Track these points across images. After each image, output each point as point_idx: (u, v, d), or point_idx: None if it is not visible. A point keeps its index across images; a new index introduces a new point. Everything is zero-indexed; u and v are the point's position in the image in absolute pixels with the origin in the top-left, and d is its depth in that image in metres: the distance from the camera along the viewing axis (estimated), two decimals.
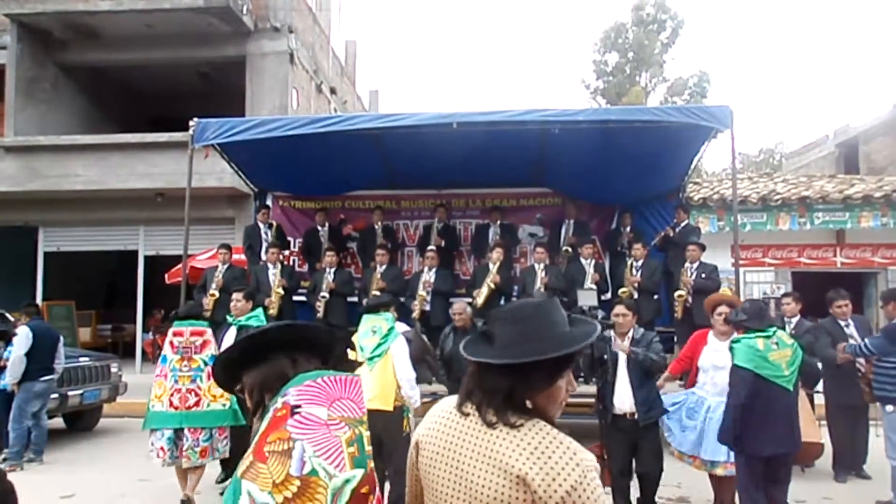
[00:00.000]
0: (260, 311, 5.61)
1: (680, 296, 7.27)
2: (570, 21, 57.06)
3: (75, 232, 12.87)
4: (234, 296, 5.50)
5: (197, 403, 4.91)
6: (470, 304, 6.54)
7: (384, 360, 4.53)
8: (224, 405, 4.95)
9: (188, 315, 5.19)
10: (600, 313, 6.82)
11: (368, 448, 1.47)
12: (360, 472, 1.43)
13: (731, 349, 4.09)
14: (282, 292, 7.76)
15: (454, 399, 1.50)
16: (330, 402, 1.48)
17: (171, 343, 5.02)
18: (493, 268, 7.73)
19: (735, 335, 4.26)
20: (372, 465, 1.47)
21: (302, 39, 13.01)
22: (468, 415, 1.41)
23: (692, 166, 8.02)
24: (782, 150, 31.18)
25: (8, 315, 8.93)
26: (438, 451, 1.44)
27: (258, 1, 12.20)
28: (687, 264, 7.39)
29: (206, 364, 4.95)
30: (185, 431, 4.89)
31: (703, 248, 7.49)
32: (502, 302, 7.89)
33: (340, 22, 17.36)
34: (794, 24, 54.85)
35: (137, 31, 11.91)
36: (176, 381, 4.91)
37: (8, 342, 6.75)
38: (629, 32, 25.76)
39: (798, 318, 6.36)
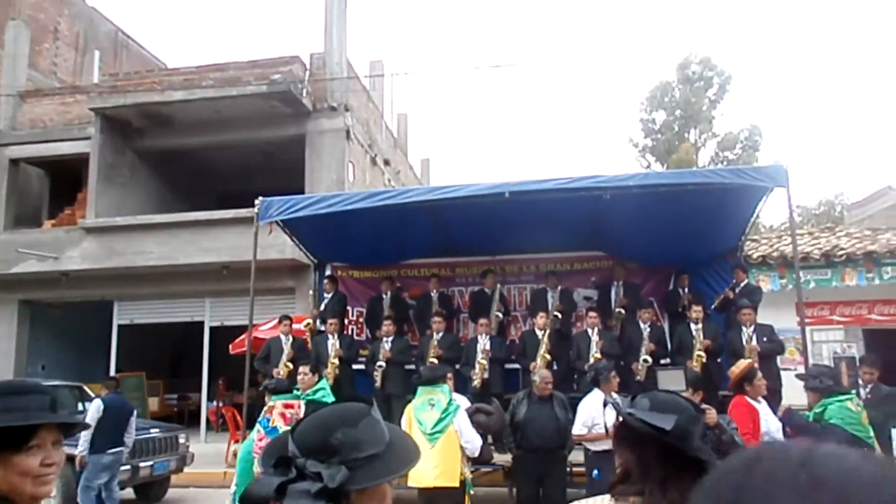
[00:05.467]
0: (325, 382, 5.72)
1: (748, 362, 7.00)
2: (615, 83, 57.84)
3: (146, 305, 13.53)
4: (301, 369, 5.67)
5: None
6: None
7: (448, 436, 4.51)
8: None
9: (289, 388, 5.27)
10: None
11: None
12: None
13: (818, 411, 4.22)
14: (337, 362, 7.90)
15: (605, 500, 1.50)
16: None
17: (284, 415, 5.17)
18: (543, 337, 7.63)
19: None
20: None
21: (357, 116, 13.67)
22: None
23: (748, 226, 7.92)
24: (843, 202, 30.17)
25: (86, 388, 9.38)
26: None
27: (317, 83, 12.96)
28: (743, 329, 7.11)
29: None
30: None
31: (755, 308, 7.28)
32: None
33: (392, 96, 18.16)
34: (849, 74, 54.00)
35: (207, 117, 12.78)
36: None
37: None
38: (675, 91, 25.85)
39: (874, 384, 6.05)
